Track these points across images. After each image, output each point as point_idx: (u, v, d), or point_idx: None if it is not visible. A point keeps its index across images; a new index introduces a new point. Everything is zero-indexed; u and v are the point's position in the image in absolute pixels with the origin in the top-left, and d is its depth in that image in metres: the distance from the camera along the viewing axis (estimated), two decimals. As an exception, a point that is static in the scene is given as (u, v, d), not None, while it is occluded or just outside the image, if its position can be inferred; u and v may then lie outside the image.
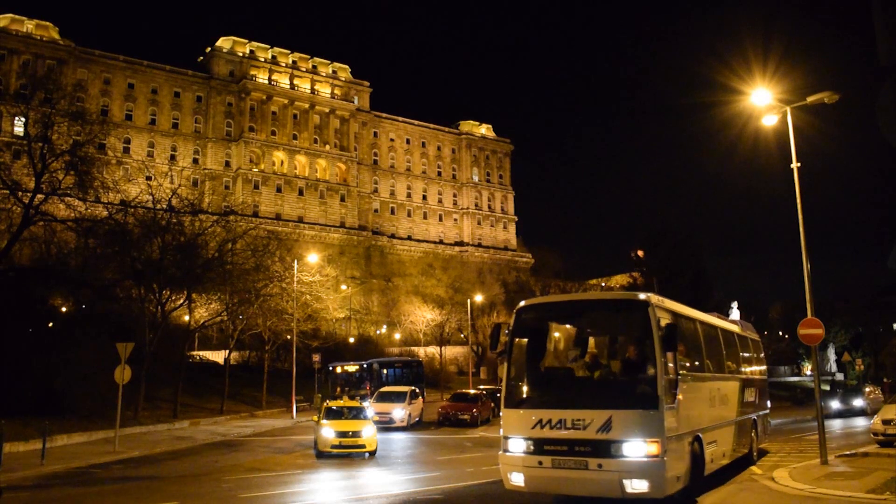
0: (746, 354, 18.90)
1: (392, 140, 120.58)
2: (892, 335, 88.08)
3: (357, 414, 25.24)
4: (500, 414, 12.65)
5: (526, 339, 12.96)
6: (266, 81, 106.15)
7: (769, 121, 19.02)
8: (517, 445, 11.74)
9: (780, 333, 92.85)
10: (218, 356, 53.24)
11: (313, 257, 54.94)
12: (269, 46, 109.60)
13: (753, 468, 17.04)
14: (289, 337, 46.62)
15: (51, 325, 32.81)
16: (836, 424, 36.27)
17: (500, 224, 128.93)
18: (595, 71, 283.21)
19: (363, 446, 23.19)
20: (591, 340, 13.35)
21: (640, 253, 77.41)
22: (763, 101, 18.77)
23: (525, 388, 12.64)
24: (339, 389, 44.05)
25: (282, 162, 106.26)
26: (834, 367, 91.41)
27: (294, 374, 44.33)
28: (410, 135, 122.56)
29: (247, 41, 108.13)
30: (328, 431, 23.02)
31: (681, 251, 71.31)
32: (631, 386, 11.65)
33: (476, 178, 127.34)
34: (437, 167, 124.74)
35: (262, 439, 30.50)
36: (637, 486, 10.65)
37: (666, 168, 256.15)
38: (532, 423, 11.60)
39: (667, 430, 10.86)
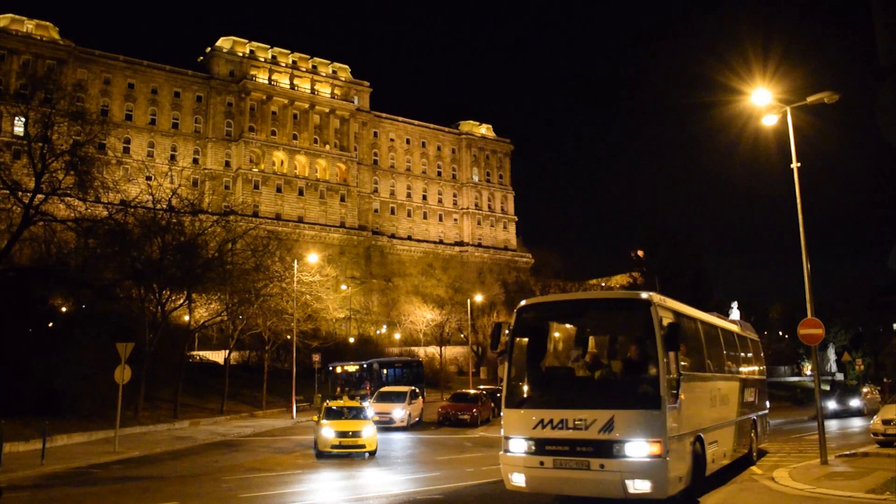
0: (746, 354, 18.90)
1: (392, 140, 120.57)
2: (892, 335, 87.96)
3: (357, 414, 25.24)
4: (501, 414, 12.59)
5: (527, 339, 12.91)
6: (266, 81, 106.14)
7: (769, 121, 19.02)
8: (518, 446, 11.69)
9: (780, 333, 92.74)
10: (218, 356, 53.22)
11: (313, 257, 54.90)
12: (269, 46, 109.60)
13: (753, 468, 17.04)
14: (289, 337, 46.60)
15: (51, 325, 32.79)
16: (832, 425, 36.23)
17: (500, 224, 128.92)
18: (595, 71, 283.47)
19: (363, 446, 23.20)
20: (592, 340, 13.33)
21: (640, 253, 77.31)
22: (763, 101, 18.77)
23: (526, 388, 12.58)
24: (339, 389, 44.07)
25: (282, 162, 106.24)
26: (834, 367, 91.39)
27: (294, 374, 44.32)
28: (410, 135, 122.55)
29: (247, 41, 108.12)
30: (328, 431, 23.03)
31: (681, 251, 71.20)
32: (633, 386, 11.61)
33: (476, 178, 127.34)
34: (437, 167, 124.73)
35: (262, 439, 30.49)
36: (639, 486, 10.62)
37: (666, 168, 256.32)
38: (533, 424, 11.55)
39: (669, 430, 10.82)
